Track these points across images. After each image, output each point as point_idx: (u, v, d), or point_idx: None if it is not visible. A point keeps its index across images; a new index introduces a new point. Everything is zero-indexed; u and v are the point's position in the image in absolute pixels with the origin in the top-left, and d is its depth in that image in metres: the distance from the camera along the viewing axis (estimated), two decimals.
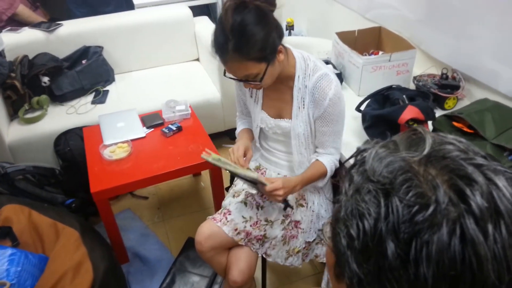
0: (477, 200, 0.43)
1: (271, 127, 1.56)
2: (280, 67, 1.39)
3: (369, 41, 2.16)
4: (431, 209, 0.44)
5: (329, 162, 1.50)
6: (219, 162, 1.42)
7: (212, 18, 3.78)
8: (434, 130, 1.53)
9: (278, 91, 1.50)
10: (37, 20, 3.00)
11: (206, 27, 3.12)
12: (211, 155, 1.42)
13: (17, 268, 1.55)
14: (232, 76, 1.37)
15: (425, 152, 0.49)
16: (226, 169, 1.43)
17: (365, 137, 1.58)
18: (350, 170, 0.55)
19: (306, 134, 1.50)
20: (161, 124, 2.26)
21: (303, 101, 1.45)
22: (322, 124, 1.45)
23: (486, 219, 0.43)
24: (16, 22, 3.00)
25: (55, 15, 3.55)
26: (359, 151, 0.56)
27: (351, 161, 0.57)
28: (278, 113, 1.54)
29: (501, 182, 0.45)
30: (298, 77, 1.43)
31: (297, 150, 1.54)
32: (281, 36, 1.34)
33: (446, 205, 0.44)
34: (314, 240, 1.65)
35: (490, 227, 0.43)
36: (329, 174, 1.52)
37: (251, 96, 1.59)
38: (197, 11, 3.59)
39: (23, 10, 3.02)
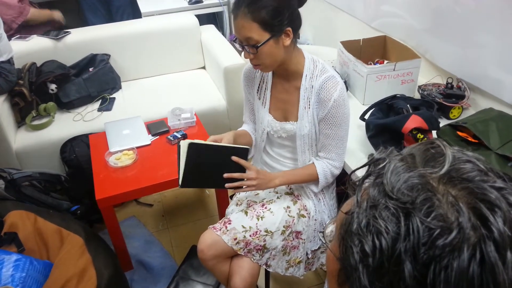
0: (499, 226, 0.43)
1: (276, 131, 1.58)
2: (283, 54, 1.41)
3: (374, 50, 2.16)
4: (453, 234, 0.43)
5: (323, 168, 1.52)
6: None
7: (219, 27, 3.81)
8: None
9: (286, 92, 1.53)
10: (48, 16, 3.07)
11: (212, 36, 3.15)
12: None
13: (21, 274, 1.56)
14: (237, 41, 1.40)
15: (444, 169, 0.48)
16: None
17: (369, 146, 1.58)
18: (364, 180, 0.54)
19: (311, 135, 1.51)
20: (167, 132, 2.27)
21: (309, 101, 1.47)
22: (326, 126, 1.47)
23: (507, 246, 0.43)
24: (25, 30, 3.04)
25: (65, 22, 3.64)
26: (373, 160, 0.55)
27: (360, 171, 0.56)
28: (284, 116, 1.56)
29: None
30: (306, 76, 1.47)
31: (301, 150, 1.56)
32: (293, 22, 1.39)
33: (469, 230, 0.43)
34: (319, 248, 1.64)
35: (509, 254, 0.43)
36: (322, 180, 1.53)
37: (259, 99, 1.61)
38: (204, 19, 3.63)
39: (34, 13, 3.08)
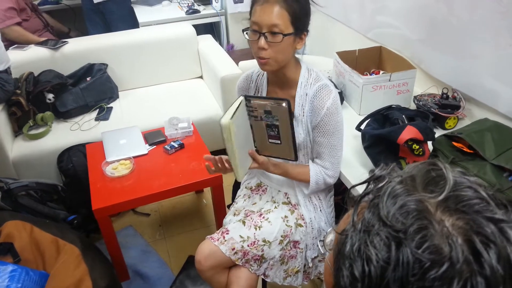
0: (492, 263, 0.42)
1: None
2: (291, 57, 1.43)
3: (370, 60, 2.18)
4: (444, 267, 0.43)
5: (316, 172, 1.53)
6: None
7: (216, 36, 3.82)
8: (434, 150, 1.54)
9: None
10: (33, 41, 3.00)
11: (209, 45, 3.17)
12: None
13: (17, 285, 1.55)
14: (256, 28, 1.34)
15: (443, 195, 0.47)
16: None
17: (365, 156, 1.58)
18: (361, 199, 0.53)
19: (305, 143, 1.52)
20: (164, 141, 2.28)
21: (303, 109, 1.48)
22: (319, 134, 1.48)
23: (499, 285, 0.42)
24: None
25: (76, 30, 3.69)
26: (373, 177, 0.54)
27: (357, 188, 0.55)
28: None
29: None
30: (301, 83, 1.48)
31: None
32: (308, 27, 1.42)
33: (460, 264, 0.42)
34: (317, 257, 1.64)
35: None
36: (313, 183, 1.53)
37: None
38: (201, 29, 3.64)
39: (14, 31, 3.01)
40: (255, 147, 1.48)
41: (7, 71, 2.52)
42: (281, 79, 1.50)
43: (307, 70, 1.50)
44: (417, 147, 1.41)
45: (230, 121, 1.28)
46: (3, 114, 2.52)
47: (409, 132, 1.39)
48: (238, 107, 1.32)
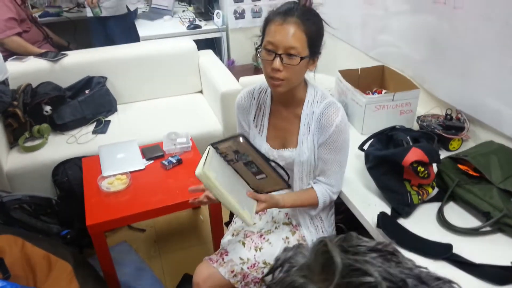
0: None
1: (273, 160, 1.54)
2: (302, 78, 1.43)
3: (372, 79, 2.16)
4: None
5: (323, 193, 1.49)
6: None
7: (217, 52, 3.82)
8: (439, 172, 1.50)
9: (285, 120, 1.50)
10: (32, 53, 2.97)
11: (210, 61, 3.16)
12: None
13: None
14: (271, 48, 1.31)
15: (333, 284, 0.44)
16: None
17: (367, 176, 1.55)
18: None
19: (310, 161, 1.48)
20: (161, 156, 2.23)
21: (309, 127, 1.45)
22: (326, 151, 1.44)
23: None
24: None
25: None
26: (277, 266, 0.51)
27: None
28: (282, 143, 1.53)
29: None
30: (308, 102, 1.45)
31: (298, 177, 1.52)
32: (320, 50, 1.42)
33: None
34: None
35: None
36: (321, 205, 1.50)
37: (256, 126, 1.57)
38: (202, 45, 3.64)
39: (14, 41, 2.98)
40: (252, 189, 1.42)
41: (4, 82, 2.49)
42: (288, 98, 1.47)
43: (313, 88, 1.48)
44: (422, 169, 1.38)
45: (203, 169, 1.22)
46: None
47: (414, 154, 1.36)
48: (207, 156, 1.26)
